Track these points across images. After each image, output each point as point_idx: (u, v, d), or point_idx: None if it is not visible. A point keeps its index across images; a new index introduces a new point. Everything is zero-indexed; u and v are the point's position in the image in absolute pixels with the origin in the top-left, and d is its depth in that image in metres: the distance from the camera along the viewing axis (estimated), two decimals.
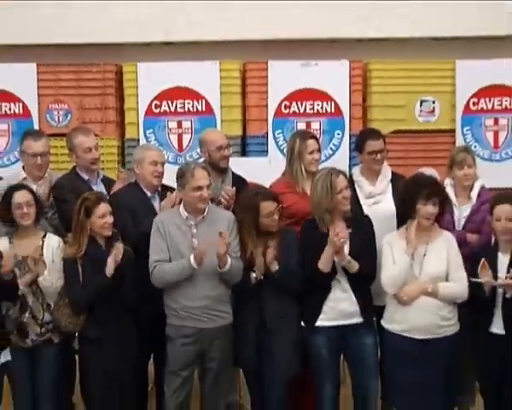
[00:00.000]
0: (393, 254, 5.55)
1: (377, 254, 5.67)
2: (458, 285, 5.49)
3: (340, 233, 5.37)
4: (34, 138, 6.29)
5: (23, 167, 6.32)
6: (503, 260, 5.54)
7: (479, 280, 5.38)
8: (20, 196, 5.55)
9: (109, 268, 5.37)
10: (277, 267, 5.51)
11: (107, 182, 6.39)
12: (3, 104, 7.99)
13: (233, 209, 5.86)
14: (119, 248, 5.43)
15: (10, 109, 7.99)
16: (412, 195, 5.50)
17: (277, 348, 5.56)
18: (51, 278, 5.54)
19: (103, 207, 5.48)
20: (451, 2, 8.07)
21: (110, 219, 5.50)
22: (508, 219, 5.46)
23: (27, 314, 5.52)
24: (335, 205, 5.54)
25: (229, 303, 5.62)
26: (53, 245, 5.66)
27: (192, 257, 5.37)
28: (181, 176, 5.54)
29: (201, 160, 6.42)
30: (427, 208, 5.45)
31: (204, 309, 5.49)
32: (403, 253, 5.45)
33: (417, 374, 5.49)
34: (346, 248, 5.48)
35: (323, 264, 5.49)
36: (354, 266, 5.50)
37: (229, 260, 5.40)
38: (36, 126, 7.83)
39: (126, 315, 5.57)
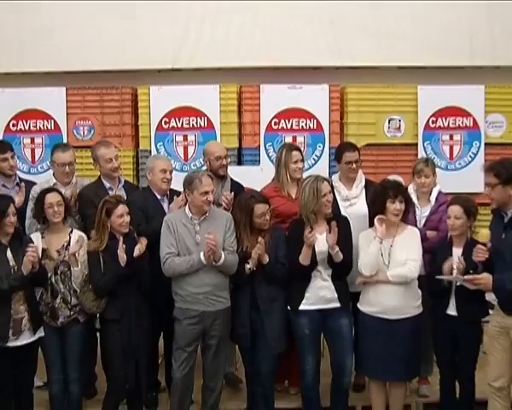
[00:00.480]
0: (364, 247, 5.60)
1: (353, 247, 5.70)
2: (404, 267, 5.53)
3: (310, 233, 5.44)
4: (62, 150, 6.28)
5: (53, 174, 6.30)
6: (456, 252, 5.55)
7: (444, 278, 5.45)
8: (52, 197, 5.55)
9: (122, 259, 5.39)
10: (268, 260, 5.51)
11: (129, 187, 6.40)
12: (38, 121, 7.98)
13: (231, 210, 5.85)
14: (142, 243, 5.47)
15: (44, 126, 7.98)
16: (382, 195, 5.58)
17: (268, 328, 5.59)
18: (78, 269, 5.55)
19: (121, 209, 5.50)
20: (415, 36, 8.09)
21: (127, 218, 5.51)
22: (456, 218, 5.52)
23: (58, 300, 5.52)
24: (320, 207, 5.55)
25: (228, 290, 5.64)
26: (79, 240, 5.64)
27: (202, 254, 5.40)
28: (190, 182, 5.55)
29: (204, 168, 6.40)
30: (395, 205, 5.51)
31: (206, 295, 5.51)
32: (375, 241, 5.49)
33: (386, 348, 5.54)
34: (334, 240, 5.49)
35: (302, 258, 5.53)
36: (339, 256, 5.53)
37: (223, 255, 5.43)
38: (64, 140, 7.81)
39: (141, 299, 5.58)
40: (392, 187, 5.61)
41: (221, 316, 5.58)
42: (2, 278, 5.15)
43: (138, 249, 5.45)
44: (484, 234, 5.28)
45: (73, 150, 6.42)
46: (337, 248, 5.50)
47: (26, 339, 5.33)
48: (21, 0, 8.04)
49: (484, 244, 5.24)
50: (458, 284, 5.42)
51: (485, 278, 5.10)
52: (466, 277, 5.21)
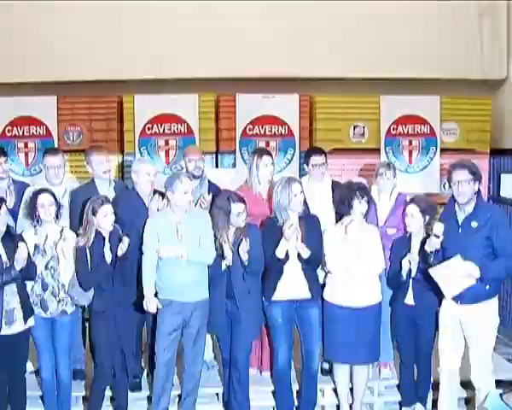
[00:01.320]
0: (332, 243, 5.64)
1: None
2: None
3: (291, 228, 5.43)
4: (52, 155, 6.27)
5: (45, 177, 6.26)
6: (414, 248, 5.61)
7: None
8: (43, 198, 5.51)
9: (107, 257, 5.40)
10: (247, 257, 5.49)
11: (119, 188, 6.36)
12: (31, 127, 7.94)
13: (210, 210, 5.83)
14: (125, 243, 5.45)
15: (36, 131, 7.94)
16: (349, 196, 5.59)
17: (244, 317, 5.55)
18: (66, 264, 5.51)
19: (106, 208, 5.45)
20: (377, 51, 8.12)
21: (111, 217, 5.47)
22: (412, 216, 5.58)
23: (47, 292, 5.49)
24: (292, 205, 5.56)
25: (206, 283, 5.60)
26: (68, 237, 5.59)
27: (146, 303, 5.49)
28: (171, 183, 5.52)
29: (183, 170, 6.38)
30: (362, 205, 5.54)
31: (186, 287, 5.47)
32: (341, 243, 5.56)
33: (350, 335, 5.57)
34: (298, 238, 5.49)
35: (279, 251, 5.51)
36: (307, 253, 5.52)
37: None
38: (56, 144, 7.79)
39: (126, 291, 5.54)
40: (359, 188, 5.63)
41: (200, 307, 5.54)
42: None
43: (121, 249, 5.42)
44: (438, 227, 5.34)
45: (63, 154, 6.37)
46: (301, 245, 5.51)
47: (17, 328, 5.31)
48: (15, 15, 8.00)
49: (437, 236, 5.31)
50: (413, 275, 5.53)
51: (475, 267, 5.15)
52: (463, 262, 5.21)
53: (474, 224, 5.25)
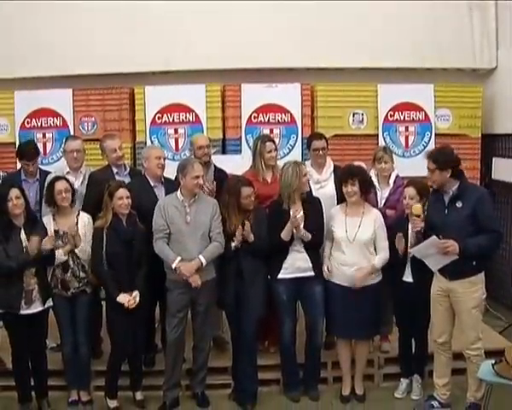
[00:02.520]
0: (334, 223, 5.63)
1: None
2: (384, 254, 5.57)
3: (297, 215, 5.43)
4: (72, 139, 6.38)
5: (66, 162, 6.29)
6: (411, 228, 5.55)
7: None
8: (60, 185, 5.52)
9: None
10: (253, 238, 5.45)
11: (134, 173, 6.32)
12: (49, 119, 7.90)
13: (218, 194, 5.81)
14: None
15: (53, 122, 7.90)
16: (339, 181, 5.68)
17: (252, 295, 5.52)
18: (84, 246, 5.53)
19: (122, 192, 5.44)
20: (375, 42, 8.10)
21: (127, 201, 5.45)
22: (410, 198, 5.55)
23: (69, 274, 5.50)
24: (301, 185, 5.55)
25: (213, 263, 5.56)
26: (84, 221, 5.61)
27: (176, 261, 5.39)
28: (183, 168, 5.52)
29: (192, 157, 6.28)
30: (347, 188, 5.53)
31: None
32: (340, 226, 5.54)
33: (352, 312, 5.53)
34: (302, 225, 5.46)
35: (285, 235, 5.50)
36: (307, 237, 5.50)
37: (203, 260, 5.41)
38: (71, 134, 7.71)
39: (139, 273, 5.50)
40: (343, 173, 5.68)
41: (207, 286, 5.50)
42: (12, 257, 5.16)
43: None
44: (417, 208, 5.35)
45: (82, 141, 6.42)
46: (303, 231, 5.48)
47: (36, 308, 5.32)
48: (32, 14, 8.03)
49: (418, 216, 5.31)
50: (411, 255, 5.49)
51: (453, 244, 5.09)
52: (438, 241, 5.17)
53: (459, 204, 5.21)
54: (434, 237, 5.18)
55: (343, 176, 5.64)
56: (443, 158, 5.23)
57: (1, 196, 5.26)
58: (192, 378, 5.84)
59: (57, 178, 5.64)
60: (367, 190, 5.63)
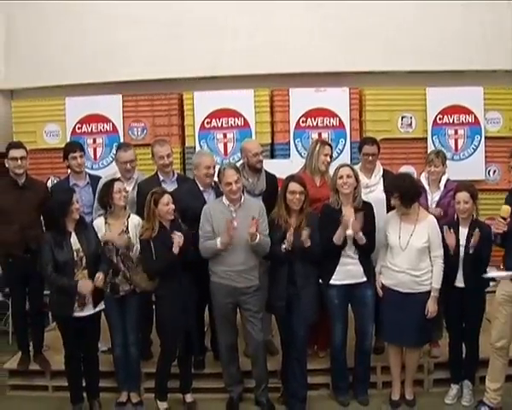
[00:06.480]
0: (389, 228, 5.59)
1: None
2: (439, 267, 5.46)
3: (350, 218, 5.40)
4: (124, 150, 6.24)
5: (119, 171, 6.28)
6: (463, 232, 5.51)
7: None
8: (120, 184, 5.64)
9: (175, 249, 5.32)
10: (309, 244, 5.37)
11: (182, 180, 6.31)
12: (99, 124, 8.03)
13: (269, 198, 5.83)
14: (179, 235, 5.35)
15: (104, 128, 8.04)
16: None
17: (304, 300, 5.45)
18: (135, 248, 5.59)
19: (166, 198, 5.44)
20: (423, 46, 8.09)
21: (172, 206, 5.45)
22: (465, 202, 5.47)
23: (120, 277, 5.55)
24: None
25: (257, 269, 5.55)
26: (135, 222, 5.66)
27: (218, 241, 5.36)
28: (218, 175, 5.57)
29: (240, 162, 6.30)
30: (391, 200, 5.52)
31: (238, 273, 5.45)
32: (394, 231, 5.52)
33: (403, 317, 5.46)
34: (358, 229, 5.41)
35: (337, 238, 5.44)
36: (362, 240, 5.44)
37: (258, 236, 5.32)
38: (121, 140, 7.87)
39: (188, 277, 5.51)
40: (387, 185, 5.77)
41: (250, 292, 5.49)
42: (43, 264, 5.25)
43: (177, 243, 5.34)
44: (504, 209, 5.16)
45: (134, 149, 6.35)
46: (360, 234, 5.42)
47: (88, 311, 5.38)
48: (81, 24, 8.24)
49: (504, 218, 5.15)
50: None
51: None
52: None
53: None
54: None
55: (387, 188, 5.65)
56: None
57: (63, 202, 5.31)
58: (255, 388, 5.81)
59: (115, 179, 5.72)
60: (411, 201, 5.49)
